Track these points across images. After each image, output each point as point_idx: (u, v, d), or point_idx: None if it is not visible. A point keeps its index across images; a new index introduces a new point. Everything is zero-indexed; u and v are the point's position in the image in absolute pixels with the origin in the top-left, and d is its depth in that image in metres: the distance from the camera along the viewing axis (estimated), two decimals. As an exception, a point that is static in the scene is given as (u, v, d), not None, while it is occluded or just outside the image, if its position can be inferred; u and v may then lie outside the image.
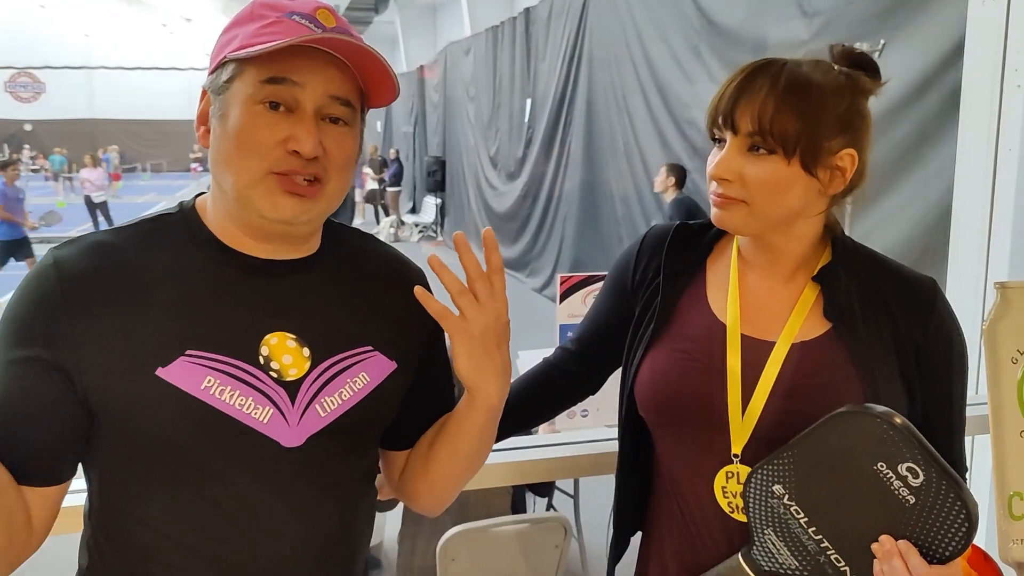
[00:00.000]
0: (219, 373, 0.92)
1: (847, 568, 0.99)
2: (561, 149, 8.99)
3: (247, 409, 0.92)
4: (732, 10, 5.71)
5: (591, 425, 1.64)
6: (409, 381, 1.07)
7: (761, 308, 1.12)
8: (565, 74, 8.76)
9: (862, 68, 1.07)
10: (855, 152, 1.05)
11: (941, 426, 1.11)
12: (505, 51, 10.94)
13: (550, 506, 3.20)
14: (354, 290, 1.04)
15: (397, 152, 16.41)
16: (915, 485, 0.93)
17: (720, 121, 1.05)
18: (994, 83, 1.91)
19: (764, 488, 1.02)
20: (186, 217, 0.99)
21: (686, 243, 1.20)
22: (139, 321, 0.90)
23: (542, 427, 2.69)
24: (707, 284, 1.17)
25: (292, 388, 0.95)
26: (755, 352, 1.09)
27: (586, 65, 8.32)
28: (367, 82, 0.97)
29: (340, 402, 0.98)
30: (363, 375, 1.00)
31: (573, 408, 1.70)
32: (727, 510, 1.10)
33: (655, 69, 6.77)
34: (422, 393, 1.10)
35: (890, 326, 1.08)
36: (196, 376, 0.91)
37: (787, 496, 1.00)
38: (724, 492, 1.10)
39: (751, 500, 1.03)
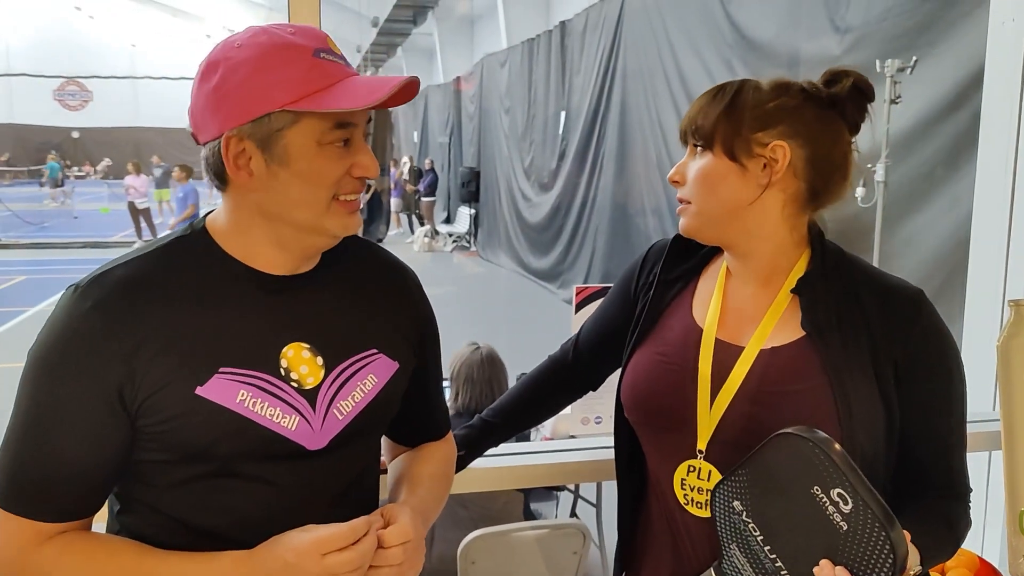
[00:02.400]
0: (250, 387, 1.00)
1: None
2: (594, 161, 9.00)
3: (276, 419, 1.00)
4: (765, 25, 5.72)
5: (607, 432, 1.67)
6: (408, 378, 1.15)
7: (739, 314, 1.15)
8: (599, 87, 8.78)
9: (833, 81, 1.11)
10: (786, 145, 1.07)
11: (932, 442, 1.10)
12: (540, 63, 10.99)
13: (573, 513, 3.23)
14: (356, 297, 1.12)
15: (432, 162, 16.53)
16: (846, 512, 0.94)
17: (682, 129, 1.14)
18: (1014, 102, 1.93)
19: (726, 503, 1.04)
20: (202, 239, 1.05)
21: (683, 254, 1.25)
22: (176, 345, 0.97)
23: (556, 431, 2.73)
24: (696, 293, 1.22)
25: (311, 396, 1.03)
26: (726, 355, 1.13)
27: (620, 78, 8.34)
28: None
29: (353, 404, 1.06)
30: (371, 377, 1.09)
31: (587, 415, 1.75)
32: (682, 502, 1.15)
33: (688, 83, 6.78)
34: (419, 393, 1.19)
35: (868, 339, 1.07)
36: (231, 391, 0.98)
37: (744, 513, 1.02)
38: (683, 484, 1.14)
39: (717, 514, 1.05)
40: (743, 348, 1.12)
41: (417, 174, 16.04)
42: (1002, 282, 1.97)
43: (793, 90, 1.10)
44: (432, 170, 16.01)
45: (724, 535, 1.05)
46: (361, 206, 1.07)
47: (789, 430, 0.98)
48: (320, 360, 1.05)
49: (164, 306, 0.98)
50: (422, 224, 15.36)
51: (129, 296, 0.97)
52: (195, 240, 1.05)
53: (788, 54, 5.47)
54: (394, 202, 15.64)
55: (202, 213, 1.10)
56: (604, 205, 8.74)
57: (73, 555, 0.98)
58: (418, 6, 18.63)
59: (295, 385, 1.02)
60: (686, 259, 1.24)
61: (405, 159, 17.15)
